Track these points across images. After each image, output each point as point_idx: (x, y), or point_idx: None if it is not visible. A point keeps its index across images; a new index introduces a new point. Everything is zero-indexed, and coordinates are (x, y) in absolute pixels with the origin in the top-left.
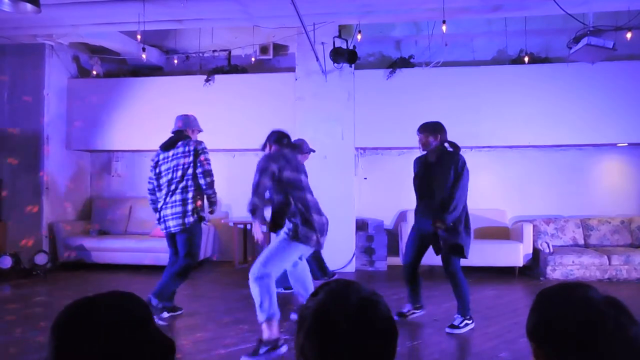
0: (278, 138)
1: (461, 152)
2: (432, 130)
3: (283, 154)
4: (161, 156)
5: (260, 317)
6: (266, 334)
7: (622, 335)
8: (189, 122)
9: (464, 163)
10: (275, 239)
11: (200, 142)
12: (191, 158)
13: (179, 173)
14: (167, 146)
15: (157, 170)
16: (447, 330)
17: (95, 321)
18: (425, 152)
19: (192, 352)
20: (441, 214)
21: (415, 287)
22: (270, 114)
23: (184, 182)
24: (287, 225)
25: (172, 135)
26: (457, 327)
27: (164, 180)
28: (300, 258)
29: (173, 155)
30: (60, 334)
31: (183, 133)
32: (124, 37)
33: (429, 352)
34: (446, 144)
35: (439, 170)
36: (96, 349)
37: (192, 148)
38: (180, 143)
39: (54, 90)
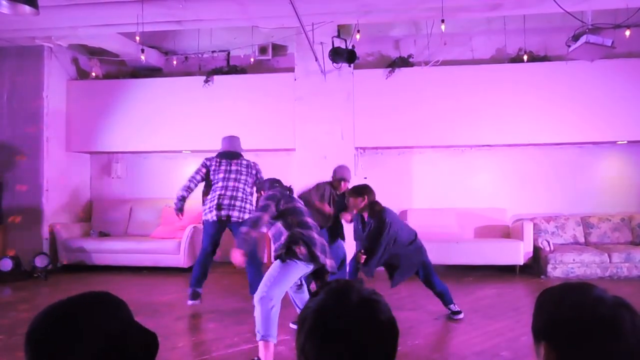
0: (271, 183)
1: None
2: (358, 193)
3: (275, 192)
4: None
5: (257, 335)
6: (262, 354)
7: (637, 335)
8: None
9: (385, 220)
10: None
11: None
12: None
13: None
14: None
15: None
16: (454, 317)
17: (73, 325)
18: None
19: (193, 353)
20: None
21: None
22: (269, 114)
23: None
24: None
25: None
26: (459, 312)
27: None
28: (304, 280)
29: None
30: (37, 342)
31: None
32: (122, 39)
33: (429, 351)
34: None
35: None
36: (78, 353)
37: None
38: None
39: (54, 92)
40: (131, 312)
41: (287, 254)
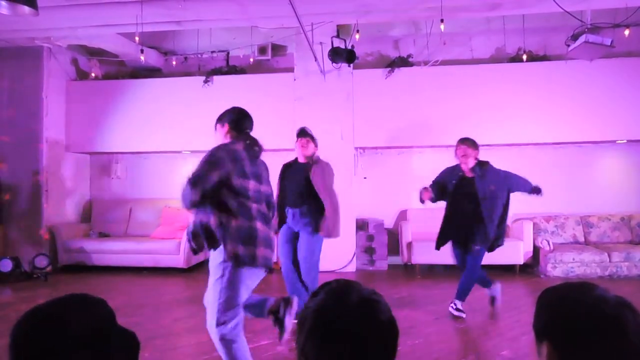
0: (237, 120)
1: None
2: (475, 145)
3: (236, 152)
4: None
5: None
6: None
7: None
8: None
9: (499, 170)
10: (212, 269)
11: None
12: None
13: None
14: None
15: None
16: (455, 314)
17: (55, 326)
18: (457, 165)
19: (192, 354)
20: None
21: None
22: (269, 115)
23: None
24: (222, 246)
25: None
26: (462, 311)
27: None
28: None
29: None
30: (20, 344)
31: None
32: (122, 39)
33: (430, 351)
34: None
35: (486, 187)
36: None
37: None
38: None
39: (53, 93)
40: (112, 312)
41: (233, 261)
